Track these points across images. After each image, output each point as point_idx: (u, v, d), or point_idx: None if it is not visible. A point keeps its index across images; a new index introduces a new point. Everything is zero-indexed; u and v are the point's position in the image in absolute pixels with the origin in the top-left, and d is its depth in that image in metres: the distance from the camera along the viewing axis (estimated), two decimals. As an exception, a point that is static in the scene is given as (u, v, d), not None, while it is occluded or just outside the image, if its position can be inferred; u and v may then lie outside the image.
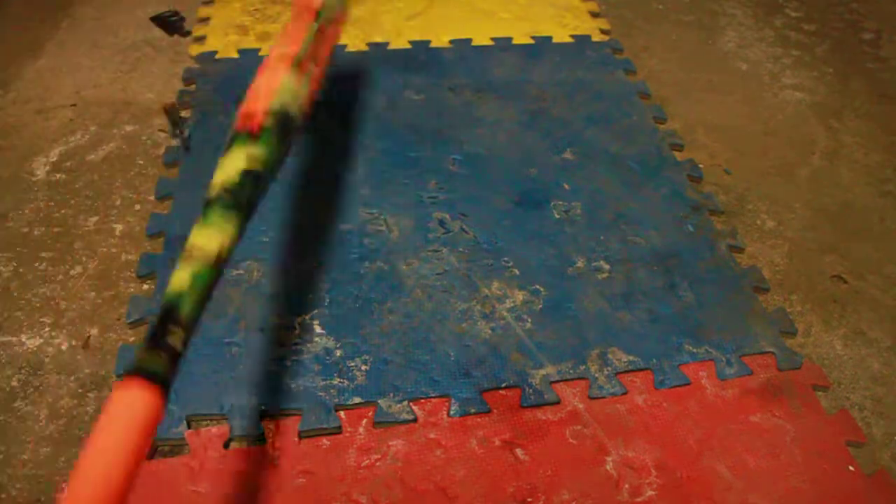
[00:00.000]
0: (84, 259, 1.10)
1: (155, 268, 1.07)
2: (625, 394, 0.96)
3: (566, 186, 1.26)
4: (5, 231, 1.14)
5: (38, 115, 1.36)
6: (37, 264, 1.09)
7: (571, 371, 0.98)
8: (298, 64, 0.84)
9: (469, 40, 1.58)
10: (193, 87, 1.42)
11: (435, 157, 1.29)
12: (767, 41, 1.70)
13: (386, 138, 1.33)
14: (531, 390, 0.96)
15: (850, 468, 0.91)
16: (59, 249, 1.11)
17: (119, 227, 1.15)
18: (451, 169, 1.27)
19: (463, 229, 1.17)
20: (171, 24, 1.61)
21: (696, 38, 1.69)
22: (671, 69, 1.59)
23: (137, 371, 0.56)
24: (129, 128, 1.34)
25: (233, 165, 0.73)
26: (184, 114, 1.35)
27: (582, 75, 1.52)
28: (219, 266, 0.67)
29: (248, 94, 0.81)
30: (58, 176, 1.24)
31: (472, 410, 0.93)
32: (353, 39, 1.55)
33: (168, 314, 0.62)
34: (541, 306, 1.06)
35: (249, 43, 1.53)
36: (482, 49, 1.57)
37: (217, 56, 1.49)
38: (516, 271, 1.11)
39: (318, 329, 1.01)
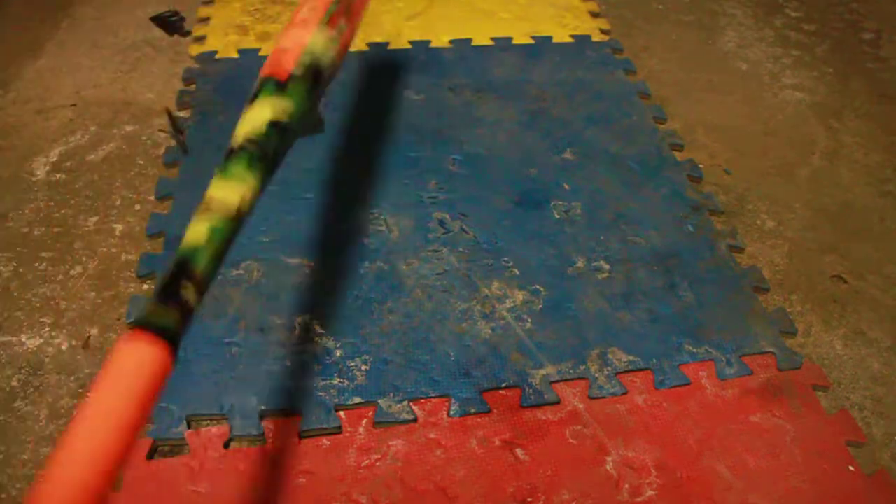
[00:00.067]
0: (84, 259, 1.10)
1: (155, 268, 1.07)
2: (625, 394, 0.96)
3: (566, 186, 1.26)
4: (5, 231, 1.14)
5: (38, 115, 1.36)
6: (37, 264, 1.09)
7: (571, 371, 0.98)
8: (330, 17, 0.80)
9: (469, 40, 1.58)
10: (193, 87, 1.42)
11: (435, 157, 1.29)
12: (767, 41, 1.70)
13: (386, 138, 1.33)
14: (531, 390, 0.96)
15: (850, 468, 0.91)
16: (59, 249, 1.11)
17: (119, 227, 1.15)
18: (451, 169, 1.27)
19: (463, 229, 1.17)
20: (171, 24, 1.61)
21: (696, 38, 1.69)
22: (671, 69, 1.59)
23: (146, 324, 0.53)
24: (129, 128, 1.34)
25: (258, 116, 0.69)
26: (183, 113, 1.35)
27: (582, 75, 1.52)
28: (238, 220, 0.63)
29: (278, 43, 0.77)
30: (58, 176, 1.24)
31: (472, 410, 0.93)
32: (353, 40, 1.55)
33: (181, 268, 0.58)
34: (541, 306, 1.06)
35: (249, 43, 1.53)
36: (482, 49, 1.57)
37: (217, 56, 1.49)
38: (516, 271, 1.11)
39: (318, 329, 1.01)
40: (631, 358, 1.00)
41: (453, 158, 1.29)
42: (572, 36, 1.62)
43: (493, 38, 1.59)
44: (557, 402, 0.95)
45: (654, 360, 1.00)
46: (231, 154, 0.66)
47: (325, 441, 0.89)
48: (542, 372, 0.98)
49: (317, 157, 1.27)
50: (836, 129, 1.47)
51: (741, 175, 1.34)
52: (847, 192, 1.32)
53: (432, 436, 0.90)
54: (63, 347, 0.98)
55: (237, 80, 1.43)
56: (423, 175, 1.26)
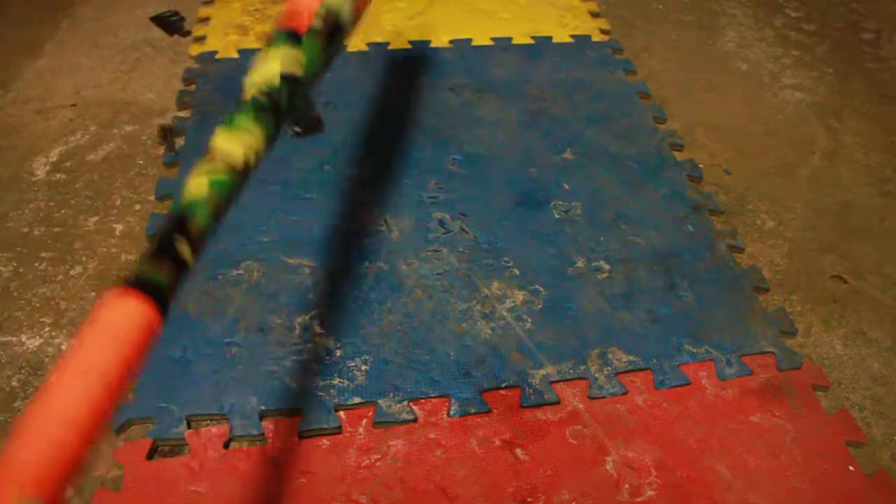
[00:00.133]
0: (84, 259, 1.10)
1: (155, 268, 1.07)
2: (625, 394, 0.96)
3: (566, 186, 1.26)
4: (5, 231, 1.14)
5: (38, 115, 1.36)
6: (37, 264, 1.09)
7: (571, 371, 0.98)
8: None
9: (469, 40, 1.58)
10: (193, 87, 1.42)
11: (435, 157, 1.29)
12: (767, 41, 1.70)
13: (386, 138, 1.33)
14: (531, 390, 0.96)
15: (850, 468, 0.91)
16: (59, 249, 1.11)
17: (119, 227, 1.15)
18: (451, 169, 1.27)
19: (463, 229, 1.17)
20: (171, 24, 1.61)
21: (696, 38, 1.69)
22: (671, 69, 1.59)
23: (136, 281, 0.50)
24: (129, 128, 1.34)
25: (270, 67, 0.67)
26: (183, 114, 1.35)
27: (582, 75, 1.52)
28: (242, 174, 0.60)
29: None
30: (58, 176, 1.24)
31: (472, 410, 0.93)
32: (353, 39, 1.55)
33: (178, 223, 0.54)
34: (541, 306, 1.06)
35: (249, 43, 1.53)
36: (482, 49, 1.57)
37: (217, 56, 1.49)
38: (516, 271, 1.11)
39: (318, 329, 1.01)
40: (631, 358, 1.00)
41: (453, 158, 1.29)
42: (572, 36, 1.62)
43: (493, 38, 1.59)
44: (557, 402, 0.95)
45: (654, 360, 1.00)
46: (239, 105, 0.64)
47: (325, 441, 0.89)
48: (542, 372, 0.98)
49: (317, 156, 1.27)
50: (836, 129, 1.47)
51: (741, 175, 1.34)
52: (847, 192, 1.32)
53: (432, 436, 0.90)
54: (63, 347, 0.98)
55: (237, 80, 1.41)
56: (423, 175, 1.26)
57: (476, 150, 1.32)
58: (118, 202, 1.19)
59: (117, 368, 0.46)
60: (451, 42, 1.58)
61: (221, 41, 1.54)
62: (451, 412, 0.93)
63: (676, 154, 1.35)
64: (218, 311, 1.02)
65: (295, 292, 1.05)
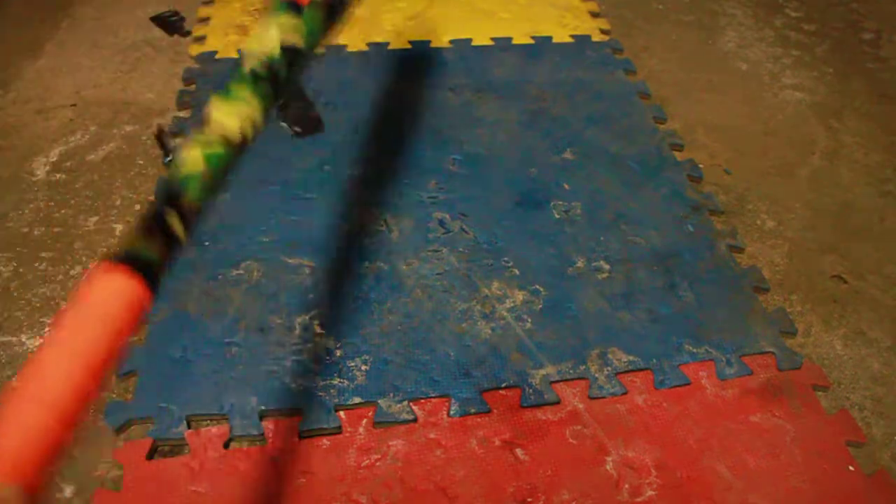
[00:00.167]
0: (84, 259, 1.10)
1: (155, 268, 1.07)
2: (625, 394, 0.96)
3: (566, 186, 1.26)
4: (5, 231, 1.14)
5: (38, 115, 1.36)
6: (37, 264, 1.09)
7: (571, 371, 0.98)
8: None
9: (469, 40, 1.58)
10: (193, 87, 1.42)
11: (435, 157, 1.29)
12: (767, 41, 1.70)
13: (386, 138, 1.33)
14: (531, 390, 0.96)
15: (850, 468, 0.91)
16: (59, 249, 1.11)
17: (119, 227, 1.15)
18: (451, 169, 1.27)
19: (463, 229, 1.17)
20: (171, 24, 1.61)
21: (696, 38, 1.69)
22: (671, 69, 1.59)
23: (125, 257, 0.48)
24: (129, 128, 1.34)
25: (270, 36, 0.65)
26: (183, 114, 1.35)
27: (582, 75, 1.52)
28: (239, 147, 0.58)
29: None
30: (58, 176, 1.24)
31: (472, 410, 0.93)
32: (353, 39, 1.55)
33: (170, 196, 0.52)
34: (541, 306, 1.06)
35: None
36: (482, 49, 1.57)
37: (217, 56, 1.49)
38: (516, 271, 1.11)
39: (318, 329, 1.01)
40: (631, 358, 1.00)
41: (453, 158, 1.29)
42: (572, 36, 1.62)
43: (493, 38, 1.59)
44: (557, 402, 0.95)
45: (654, 360, 1.00)
46: (235, 74, 0.62)
47: (325, 441, 0.89)
48: (542, 372, 0.98)
49: (317, 156, 1.27)
50: (836, 129, 1.47)
51: (741, 175, 1.34)
52: (847, 192, 1.32)
53: (432, 436, 0.90)
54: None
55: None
56: (423, 175, 1.26)
57: (476, 150, 1.32)
58: (118, 202, 1.19)
59: (103, 348, 0.44)
60: (451, 42, 1.58)
61: (221, 41, 1.54)
62: (451, 412, 0.93)
63: (676, 154, 1.35)
64: (218, 311, 1.02)
65: (295, 292, 1.05)
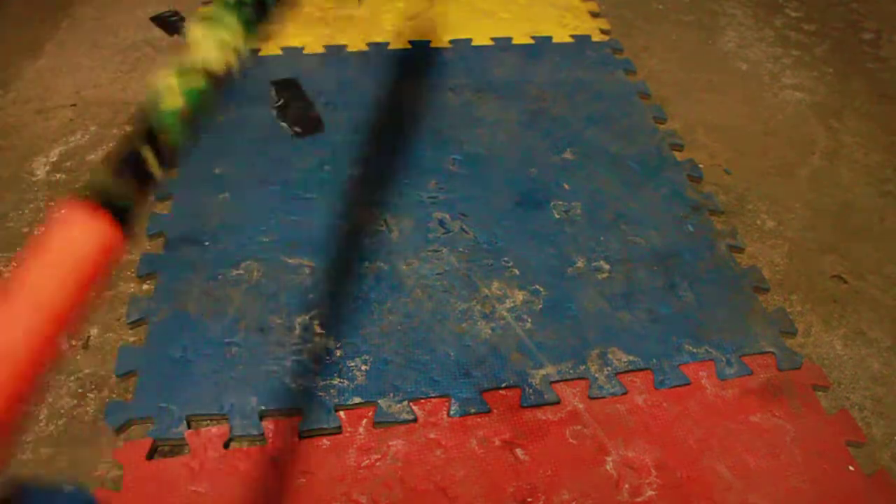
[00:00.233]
0: (84, 259, 1.10)
1: (155, 268, 1.07)
2: (625, 394, 0.96)
3: (566, 186, 1.26)
4: (5, 231, 1.14)
5: (38, 115, 1.36)
6: (37, 264, 1.09)
7: (571, 371, 0.98)
8: None
9: (469, 40, 1.58)
10: (193, 87, 1.42)
11: (435, 157, 1.29)
12: (767, 41, 1.70)
13: (386, 138, 1.33)
14: (531, 390, 0.96)
15: (850, 468, 0.91)
16: (59, 249, 1.11)
17: (119, 227, 1.15)
18: (451, 169, 1.27)
19: (463, 229, 1.17)
20: (171, 24, 1.61)
21: (696, 38, 1.69)
22: (671, 69, 1.58)
23: (98, 196, 0.44)
24: (129, 128, 1.34)
25: None
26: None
27: (582, 75, 1.52)
28: (220, 80, 0.55)
29: None
30: (58, 176, 1.24)
31: (472, 410, 0.93)
32: (353, 39, 1.55)
33: (145, 131, 0.49)
34: (541, 306, 1.06)
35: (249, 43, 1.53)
36: (482, 49, 1.57)
37: (217, 56, 1.49)
38: (516, 271, 1.11)
39: (318, 329, 1.01)
40: (631, 358, 1.00)
41: (453, 158, 1.29)
42: (572, 36, 1.62)
43: (493, 38, 1.59)
44: (557, 402, 0.95)
45: (654, 360, 1.00)
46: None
47: (325, 441, 0.89)
48: (542, 372, 0.98)
49: (317, 156, 1.27)
50: (836, 129, 1.46)
51: (741, 175, 1.34)
52: (847, 192, 1.32)
53: (432, 436, 0.90)
54: (63, 348, 0.98)
55: (237, 80, 1.43)
56: (423, 175, 1.26)
57: (476, 150, 1.32)
58: (118, 202, 1.19)
59: (69, 293, 0.40)
60: (451, 42, 1.58)
61: (221, 41, 1.53)
62: (451, 412, 0.93)
63: (676, 154, 1.35)
64: (218, 311, 1.02)
65: (295, 292, 1.05)
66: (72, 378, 0.95)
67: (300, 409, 0.92)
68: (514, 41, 1.59)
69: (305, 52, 1.51)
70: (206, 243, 1.11)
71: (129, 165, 0.48)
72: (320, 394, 0.93)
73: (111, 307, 1.03)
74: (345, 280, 1.08)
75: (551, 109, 1.42)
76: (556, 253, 1.14)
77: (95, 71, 1.47)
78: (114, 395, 0.93)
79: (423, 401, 0.94)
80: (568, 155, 1.32)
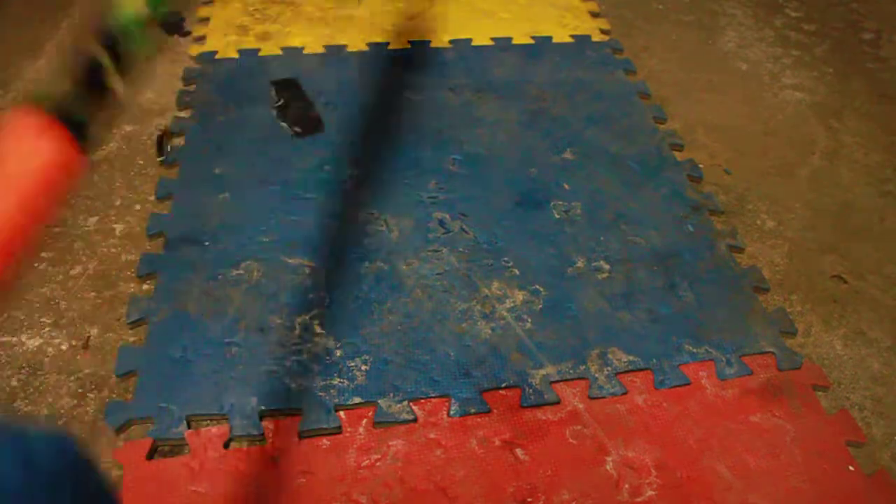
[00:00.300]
0: (84, 259, 1.10)
1: (155, 268, 1.07)
2: (625, 394, 0.96)
3: (566, 186, 1.26)
4: None
5: (38, 115, 1.36)
6: (37, 264, 1.09)
7: (571, 371, 0.98)
8: None
9: (469, 40, 1.58)
10: (193, 87, 1.42)
11: (435, 157, 1.29)
12: (767, 41, 1.70)
13: (386, 138, 1.33)
14: (531, 390, 0.96)
15: (850, 468, 0.91)
16: (59, 249, 1.11)
17: (119, 227, 1.15)
18: (451, 169, 1.27)
19: (463, 229, 1.17)
20: (171, 24, 1.61)
21: (696, 38, 1.69)
22: (671, 69, 1.58)
23: (56, 110, 0.42)
24: (128, 128, 1.34)
25: None
26: (183, 113, 1.35)
27: (582, 75, 1.52)
28: None
29: None
30: (58, 176, 1.23)
31: (472, 410, 0.93)
32: (353, 39, 1.55)
33: (108, 47, 0.46)
34: (541, 306, 1.06)
35: (249, 43, 1.53)
36: (482, 49, 1.57)
37: (217, 56, 1.49)
38: (516, 271, 1.11)
39: (318, 329, 1.01)
40: (631, 358, 1.00)
41: (453, 158, 1.29)
42: (572, 36, 1.62)
43: (493, 38, 1.59)
44: (557, 402, 0.95)
45: (654, 360, 1.00)
46: None
47: (325, 441, 0.89)
48: (542, 372, 0.98)
49: (317, 156, 1.27)
50: (836, 129, 1.47)
51: (741, 175, 1.34)
52: (847, 192, 1.32)
53: (432, 436, 0.90)
54: (63, 347, 0.98)
55: (237, 80, 1.43)
56: (423, 175, 1.26)
57: (476, 150, 1.32)
58: (118, 202, 1.19)
59: (20, 214, 0.38)
60: (451, 42, 1.58)
61: (221, 41, 1.53)
62: (451, 412, 0.93)
63: (676, 154, 1.35)
64: (218, 311, 1.02)
65: (295, 292, 1.05)
66: (72, 378, 0.95)
67: (300, 409, 0.92)
68: (514, 41, 1.59)
69: (305, 52, 1.51)
70: (206, 243, 1.11)
71: (89, 80, 0.44)
72: (320, 394, 0.93)
73: (111, 307, 1.03)
74: (345, 280, 1.08)
75: (551, 109, 1.42)
76: (556, 253, 1.14)
77: (95, 71, 1.47)
78: (114, 395, 0.93)
79: (423, 401, 0.94)
80: (568, 155, 1.32)
